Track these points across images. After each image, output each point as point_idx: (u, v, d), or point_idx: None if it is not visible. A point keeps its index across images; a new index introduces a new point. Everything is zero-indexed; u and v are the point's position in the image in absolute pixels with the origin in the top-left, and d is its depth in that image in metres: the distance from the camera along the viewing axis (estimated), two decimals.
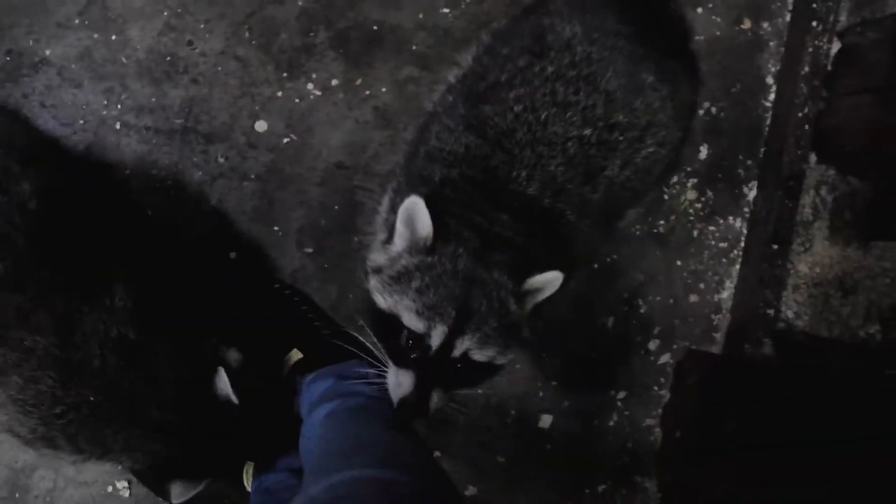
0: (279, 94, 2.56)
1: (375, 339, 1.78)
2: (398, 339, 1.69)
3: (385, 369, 1.76)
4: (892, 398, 2.00)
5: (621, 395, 2.57)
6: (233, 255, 2.49)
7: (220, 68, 2.55)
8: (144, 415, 1.85)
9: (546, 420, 2.55)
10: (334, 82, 2.57)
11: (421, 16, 2.60)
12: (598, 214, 2.01)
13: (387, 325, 1.73)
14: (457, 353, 1.67)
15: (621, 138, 1.84)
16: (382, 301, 1.73)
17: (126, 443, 1.86)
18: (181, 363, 1.92)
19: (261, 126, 2.54)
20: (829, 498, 2.00)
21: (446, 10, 2.61)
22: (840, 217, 2.70)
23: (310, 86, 2.56)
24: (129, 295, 1.88)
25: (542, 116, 1.77)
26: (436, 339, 1.65)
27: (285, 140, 2.53)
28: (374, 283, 1.76)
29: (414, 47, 2.58)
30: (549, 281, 1.72)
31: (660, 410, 2.60)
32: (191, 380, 1.93)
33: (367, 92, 2.57)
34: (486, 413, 2.51)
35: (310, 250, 2.49)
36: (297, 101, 2.56)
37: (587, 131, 1.79)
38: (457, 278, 1.68)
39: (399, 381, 1.69)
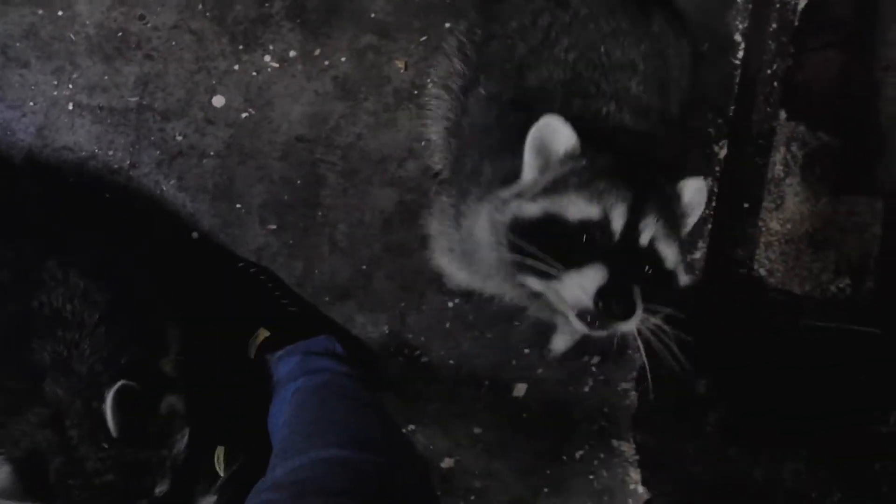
0: (236, 67, 2.49)
1: (527, 253, 1.41)
2: (563, 241, 1.42)
3: (549, 285, 1.40)
4: (858, 353, 1.98)
5: (595, 360, 2.55)
6: (195, 234, 2.43)
7: (173, 43, 2.49)
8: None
9: (520, 389, 2.53)
10: (292, 53, 2.50)
11: None
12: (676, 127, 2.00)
13: (540, 234, 1.44)
14: (644, 239, 1.46)
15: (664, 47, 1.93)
16: (531, 208, 1.48)
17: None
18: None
19: (218, 101, 2.48)
20: (801, 454, 1.98)
21: None
22: (811, 172, 2.67)
23: (267, 58, 2.50)
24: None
25: (602, 48, 1.80)
26: (618, 220, 1.43)
27: (244, 115, 2.47)
28: (507, 205, 1.53)
29: (373, 15, 2.53)
30: (698, 190, 1.62)
31: (634, 374, 2.57)
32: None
33: (326, 62, 2.51)
34: (459, 384, 2.49)
35: (273, 227, 2.45)
36: (254, 74, 2.49)
37: (643, 46, 1.84)
38: (618, 167, 1.53)
39: (585, 278, 1.34)
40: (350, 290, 2.47)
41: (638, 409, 2.57)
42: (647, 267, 1.46)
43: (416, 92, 2.49)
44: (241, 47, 2.51)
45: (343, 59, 2.53)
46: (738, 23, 2.60)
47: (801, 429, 2.02)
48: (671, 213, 1.54)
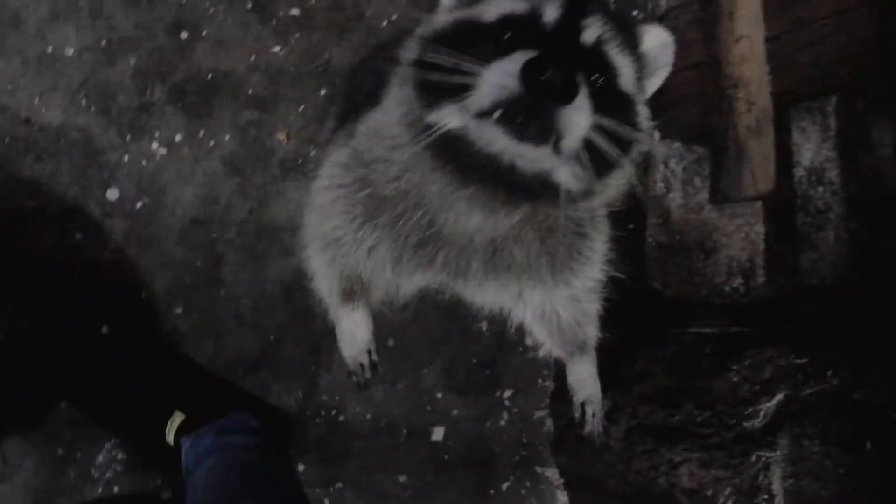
0: (126, 158, 2.58)
1: (436, 68, 1.11)
2: (481, 44, 1.13)
3: (467, 102, 1.09)
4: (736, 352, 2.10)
5: (507, 393, 2.64)
6: (104, 329, 2.50)
7: (62, 141, 2.56)
8: None
9: (439, 432, 2.62)
10: (178, 137, 2.59)
11: (252, 58, 2.63)
12: None
13: (450, 44, 1.14)
14: (588, 36, 1.18)
15: None
16: (440, 21, 1.26)
17: None
18: None
19: (112, 194, 2.56)
20: (694, 457, 2.09)
21: (277, 49, 2.64)
22: (691, 185, 2.79)
23: (154, 145, 2.59)
24: None
25: None
26: (550, 11, 1.16)
27: (139, 204, 2.56)
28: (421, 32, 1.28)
29: (250, 90, 2.62)
30: (662, 43, 1.39)
31: (548, 401, 2.66)
32: None
33: (212, 142, 2.60)
34: (378, 436, 2.57)
35: (179, 310, 2.53)
36: (144, 162, 2.58)
37: None
38: None
39: (509, 62, 1.05)
40: (261, 361, 2.56)
41: (555, 434, 2.66)
42: (594, 71, 1.17)
43: (300, 161, 2.58)
44: (128, 137, 2.60)
45: (227, 137, 2.62)
46: None
47: (692, 432, 2.13)
48: (625, 34, 1.26)
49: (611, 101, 1.16)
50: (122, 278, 2.48)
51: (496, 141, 1.10)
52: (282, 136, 2.57)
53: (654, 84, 1.43)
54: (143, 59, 2.58)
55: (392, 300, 1.87)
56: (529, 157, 1.13)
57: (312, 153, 2.51)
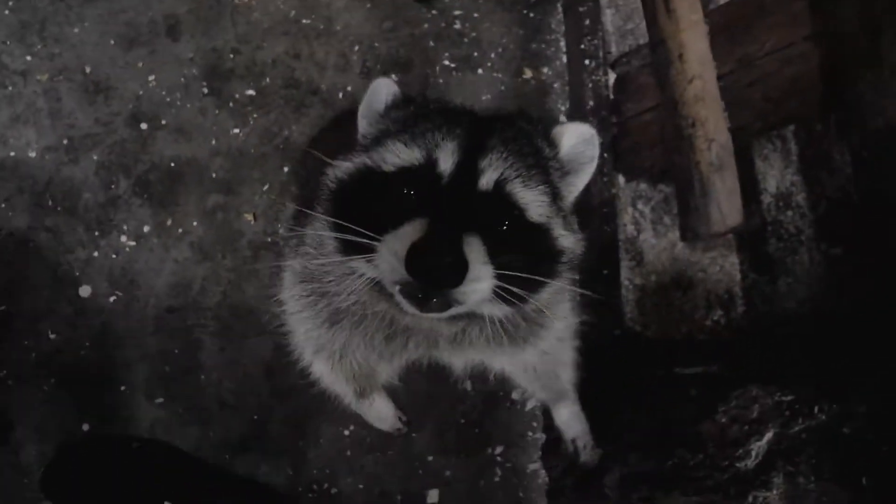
0: (95, 254, 2.57)
1: (338, 228, 1.18)
2: (382, 201, 1.17)
3: (372, 262, 1.13)
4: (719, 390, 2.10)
5: (499, 449, 2.63)
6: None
7: (31, 244, 2.55)
8: None
9: (433, 495, 2.60)
10: (146, 228, 2.59)
11: (213, 142, 2.65)
12: None
13: (357, 199, 1.22)
14: (486, 181, 1.16)
15: None
16: (346, 166, 1.29)
17: None
18: None
19: (84, 291, 2.55)
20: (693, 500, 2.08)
21: (236, 131, 2.66)
22: (661, 223, 2.81)
23: (123, 238, 2.59)
24: None
25: None
26: (446, 159, 1.16)
27: (112, 299, 2.55)
28: (330, 176, 1.33)
29: (214, 174, 2.63)
30: (582, 139, 1.37)
31: (540, 453, 2.65)
32: None
33: (180, 230, 2.60)
34: None
35: (161, 400, 2.51)
36: (114, 256, 2.58)
37: None
38: (456, 111, 1.34)
39: (398, 238, 1.07)
40: (247, 442, 2.54)
41: (550, 485, 2.64)
42: (497, 217, 1.17)
43: (269, 240, 2.58)
44: (97, 233, 2.60)
45: (195, 223, 2.62)
46: (560, 106, 2.75)
47: (686, 476, 2.12)
48: (533, 156, 1.26)
49: (521, 238, 1.20)
50: (99, 374, 2.45)
51: (405, 306, 1.16)
52: (249, 217, 2.58)
53: (580, 181, 1.42)
54: (106, 154, 2.59)
55: (392, 377, 1.99)
56: (440, 316, 1.21)
57: (281, 231, 2.50)
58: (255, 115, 2.60)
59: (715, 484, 2.00)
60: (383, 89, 1.38)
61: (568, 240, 1.29)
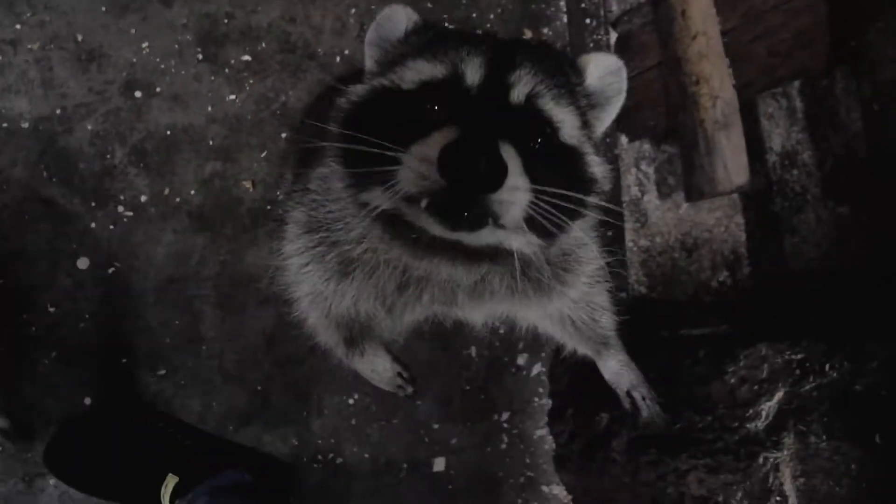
0: (93, 225, 2.54)
1: (353, 156, 1.11)
2: (402, 119, 1.09)
3: (393, 186, 1.04)
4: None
5: (505, 416, 2.61)
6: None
7: (27, 216, 2.51)
8: None
9: (440, 463, 2.59)
10: (143, 198, 2.55)
11: (209, 108, 2.60)
12: None
13: (374, 121, 1.12)
14: (517, 95, 1.11)
15: None
16: (360, 90, 1.22)
17: None
18: None
19: (83, 263, 2.52)
20: (701, 463, 2.06)
21: (232, 97, 2.61)
22: (665, 184, 2.77)
23: (120, 208, 2.55)
24: None
25: None
26: (473, 72, 1.11)
27: (111, 270, 2.52)
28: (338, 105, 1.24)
29: (211, 142, 2.58)
30: (610, 70, 1.30)
31: (546, 419, 2.63)
32: None
33: (178, 199, 2.56)
34: (379, 475, 2.55)
35: (163, 372, 2.49)
36: (111, 227, 2.54)
37: None
38: (477, 34, 1.31)
39: (428, 145, 0.99)
40: (251, 413, 2.52)
41: (556, 451, 2.63)
42: (530, 131, 1.11)
43: (269, 207, 2.54)
44: (93, 204, 2.55)
45: (192, 192, 2.58)
46: None
47: (696, 439, 2.10)
48: (562, 78, 1.20)
49: (554, 159, 1.14)
50: (99, 347, 2.42)
51: (431, 226, 1.07)
52: (247, 185, 2.53)
53: (608, 115, 1.37)
54: (100, 123, 2.54)
55: (394, 335, 1.88)
56: (469, 239, 1.11)
57: (280, 198, 2.46)
58: (251, 81, 2.55)
59: (724, 446, 1.99)
60: (401, 15, 1.28)
61: (600, 167, 1.24)
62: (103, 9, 2.58)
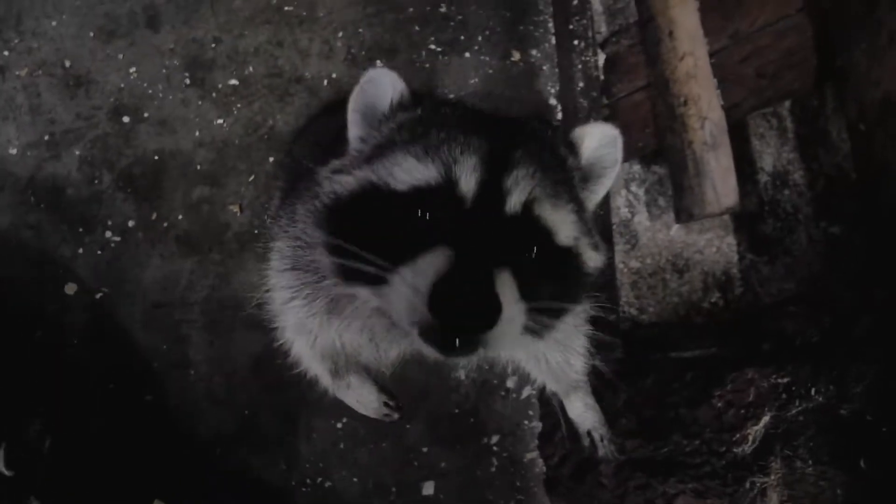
0: (80, 251, 2.53)
1: (347, 254, 1.01)
2: (392, 225, 1.02)
3: (381, 293, 1.00)
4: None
5: (495, 439, 2.59)
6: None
7: (14, 242, 2.51)
8: None
9: (429, 486, 2.56)
10: (130, 223, 2.55)
11: (197, 133, 2.60)
12: None
13: (363, 220, 1.06)
14: (514, 203, 1.04)
15: None
16: (348, 182, 1.13)
17: None
18: None
19: (70, 288, 2.51)
20: (688, 488, 2.04)
21: (220, 121, 2.61)
22: (656, 205, 2.76)
23: (108, 234, 2.55)
24: None
25: None
26: (467, 179, 1.02)
27: (98, 295, 2.51)
28: (325, 184, 1.18)
29: (198, 166, 2.58)
30: (606, 139, 1.24)
31: (536, 442, 2.61)
32: None
33: (165, 224, 2.55)
34: (368, 499, 2.53)
35: (150, 397, 2.47)
36: (99, 252, 2.54)
37: None
38: (471, 116, 1.20)
39: (419, 272, 0.93)
40: (239, 436, 2.51)
41: (547, 474, 2.60)
42: (525, 244, 1.04)
43: (256, 231, 2.53)
44: (81, 229, 2.55)
45: (180, 216, 2.58)
46: (549, 88, 2.70)
47: (683, 463, 2.08)
48: (559, 169, 1.15)
49: (549, 266, 1.08)
50: (87, 372, 2.41)
51: (422, 347, 1.01)
52: (235, 209, 2.53)
53: (602, 187, 1.32)
54: (88, 149, 2.54)
55: (381, 366, 1.84)
56: (461, 360, 1.09)
57: (268, 222, 2.45)
58: (238, 106, 2.55)
59: (712, 470, 1.97)
60: (387, 83, 1.20)
61: (595, 261, 1.20)
62: (91, 35, 2.58)
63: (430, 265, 0.92)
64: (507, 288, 0.93)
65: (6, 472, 2.20)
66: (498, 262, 0.95)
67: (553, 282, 1.06)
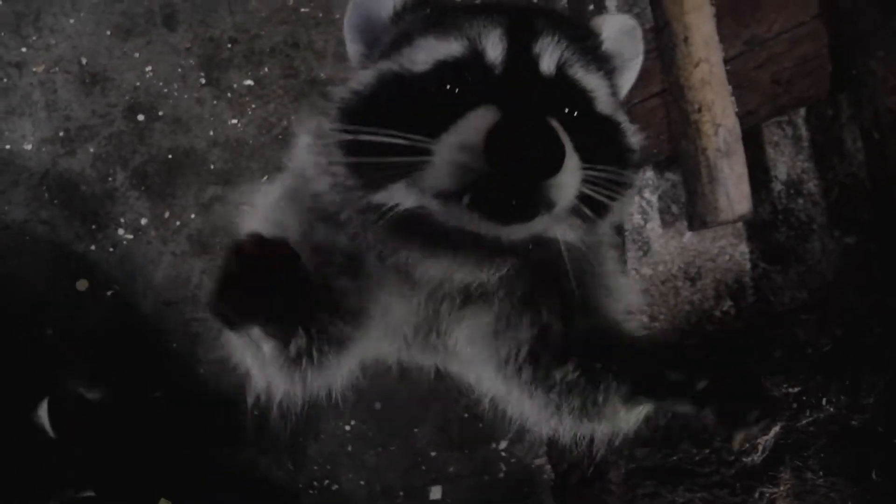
0: (92, 247, 2.54)
1: (368, 149, 0.93)
2: (420, 109, 0.96)
3: (417, 179, 0.92)
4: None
5: (503, 444, 2.57)
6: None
7: (27, 237, 2.52)
8: None
9: (437, 491, 2.56)
10: (143, 221, 2.56)
11: (211, 133, 2.60)
12: None
13: (384, 114, 0.98)
14: (547, 65, 0.99)
15: None
16: (363, 77, 1.07)
17: None
18: None
19: (82, 284, 2.52)
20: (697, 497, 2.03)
21: (234, 121, 2.61)
22: (669, 212, 2.75)
23: (120, 231, 2.55)
24: None
25: None
26: (494, 47, 0.98)
27: (109, 292, 2.51)
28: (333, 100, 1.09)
29: (212, 166, 2.59)
30: (625, 30, 1.18)
31: (545, 448, 2.60)
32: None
33: (178, 222, 2.56)
34: (374, 501, 2.53)
35: (158, 394, 2.47)
36: (111, 249, 2.54)
37: None
38: (482, 4, 1.12)
39: (465, 129, 0.88)
40: (247, 437, 2.49)
41: (556, 481, 2.59)
42: (567, 103, 0.99)
43: None
44: (94, 226, 2.56)
45: (193, 215, 2.58)
46: None
47: (692, 471, 2.07)
48: (585, 43, 1.08)
49: (593, 133, 1.00)
50: (97, 368, 2.41)
51: (471, 224, 0.93)
52: (248, 210, 2.52)
53: (626, 80, 1.23)
54: (103, 146, 2.55)
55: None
56: (516, 231, 0.97)
57: None
58: (253, 106, 2.56)
59: (721, 479, 1.95)
60: None
61: (636, 137, 1.12)
62: (108, 33, 2.59)
63: (477, 120, 0.86)
64: (562, 134, 0.86)
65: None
66: (547, 114, 0.88)
67: (600, 150, 0.97)
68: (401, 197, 0.96)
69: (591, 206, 0.96)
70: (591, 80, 1.05)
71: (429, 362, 1.53)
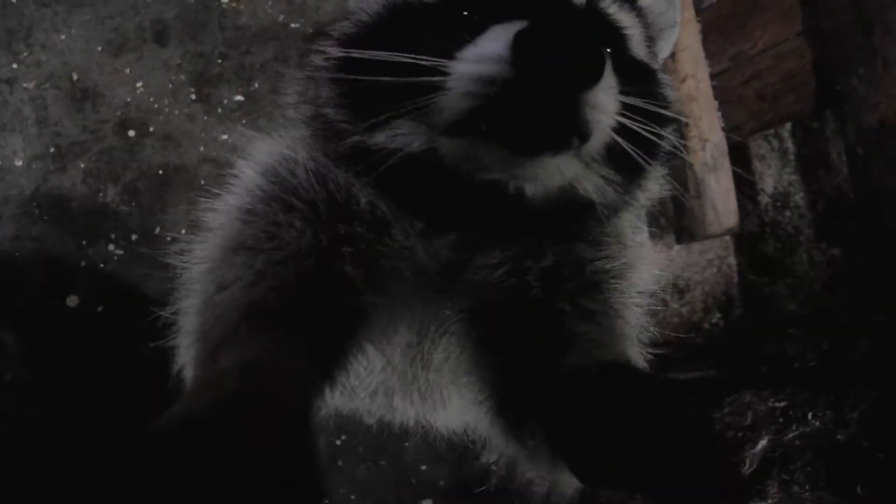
0: (83, 263, 2.54)
1: (380, 57, 0.80)
2: (441, 25, 0.84)
3: (433, 109, 0.78)
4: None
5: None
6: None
7: (17, 254, 2.52)
8: None
9: None
10: (134, 237, 2.56)
11: (202, 148, 2.61)
12: None
13: (396, 34, 0.87)
14: None
15: None
16: (372, 4, 0.97)
17: None
18: None
19: (72, 301, 2.52)
20: None
21: (225, 137, 2.61)
22: (657, 225, 2.77)
23: (111, 247, 2.55)
24: None
25: None
26: None
27: (99, 308, 2.50)
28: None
29: (203, 181, 2.58)
30: None
31: None
32: None
33: (169, 238, 2.55)
34: None
35: (150, 413, 2.46)
36: (101, 265, 2.54)
37: None
38: None
39: (489, 38, 0.77)
40: None
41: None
42: (599, 35, 0.89)
43: None
44: (84, 242, 2.56)
45: (184, 231, 2.57)
46: None
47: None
48: None
49: (626, 76, 0.85)
50: (88, 386, 2.41)
51: (490, 162, 0.79)
52: None
53: (663, 49, 1.11)
54: (94, 162, 2.55)
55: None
56: (545, 173, 0.82)
57: None
58: (243, 121, 2.56)
59: None
60: None
61: (672, 91, 1.01)
62: (99, 49, 2.60)
63: (503, 31, 0.74)
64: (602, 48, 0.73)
65: None
66: (580, 33, 0.72)
67: (635, 93, 0.83)
68: (405, 139, 0.84)
69: (626, 156, 0.83)
70: (625, 18, 0.96)
71: (409, 414, 1.35)
